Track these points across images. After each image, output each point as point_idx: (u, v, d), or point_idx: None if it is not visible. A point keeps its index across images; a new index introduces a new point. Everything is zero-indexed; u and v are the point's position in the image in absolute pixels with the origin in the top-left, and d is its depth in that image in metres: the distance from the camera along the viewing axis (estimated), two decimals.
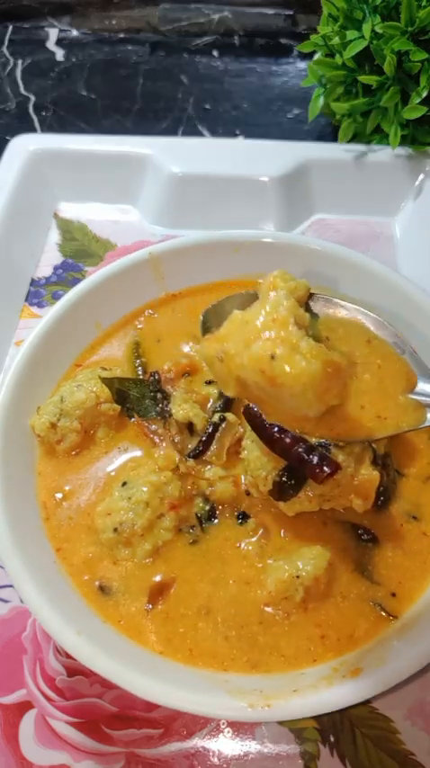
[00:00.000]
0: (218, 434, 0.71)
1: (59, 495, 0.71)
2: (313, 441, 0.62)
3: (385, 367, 0.61)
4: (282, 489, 0.64)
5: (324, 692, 0.57)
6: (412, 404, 0.60)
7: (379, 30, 0.90)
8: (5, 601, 0.69)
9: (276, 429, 0.62)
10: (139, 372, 0.79)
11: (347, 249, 0.84)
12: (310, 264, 0.84)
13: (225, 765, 0.60)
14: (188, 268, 0.86)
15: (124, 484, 0.69)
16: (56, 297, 0.93)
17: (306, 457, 0.61)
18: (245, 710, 0.56)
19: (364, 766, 0.60)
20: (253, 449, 0.67)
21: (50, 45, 1.34)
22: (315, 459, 0.60)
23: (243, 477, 0.70)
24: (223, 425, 0.71)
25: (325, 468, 0.60)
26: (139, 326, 0.84)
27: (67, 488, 0.71)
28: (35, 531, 0.68)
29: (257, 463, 0.66)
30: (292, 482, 0.64)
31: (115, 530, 0.66)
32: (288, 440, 0.62)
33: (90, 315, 0.82)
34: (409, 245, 0.96)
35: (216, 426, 0.72)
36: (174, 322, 0.84)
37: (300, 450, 0.61)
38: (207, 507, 0.69)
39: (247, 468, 0.68)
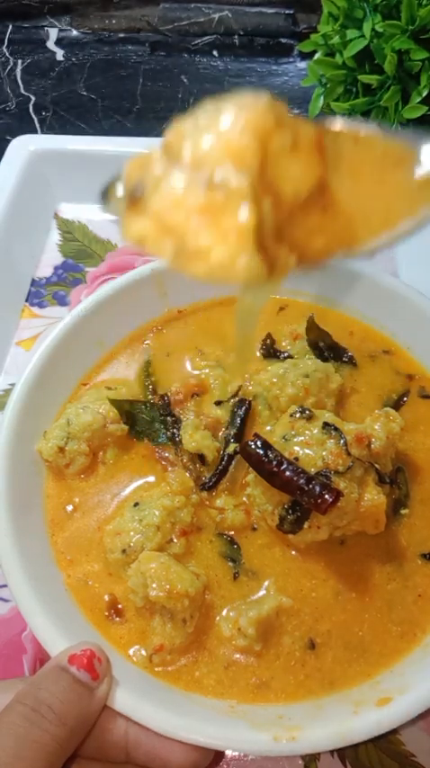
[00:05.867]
0: (231, 468, 0.70)
1: (69, 511, 0.70)
2: (312, 471, 0.61)
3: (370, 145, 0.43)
4: (290, 522, 0.63)
5: (350, 720, 0.55)
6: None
7: (379, 29, 0.90)
8: (5, 600, 0.69)
9: (274, 463, 0.61)
10: (149, 391, 0.78)
11: (373, 268, 0.82)
12: (316, 276, 0.83)
13: (225, 765, 0.60)
14: (191, 283, 0.84)
15: (136, 504, 0.67)
16: (56, 297, 0.93)
17: (306, 487, 0.59)
18: (270, 744, 0.54)
19: (364, 767, 0.60)
20: (257, 484, 0.66)
21: (50, 45, 1.34)
22: (316, 489, 0.59)
23: (252, 508, 0.69)
24: (237, 458, 0.70)
25: (326, 497, 0.58)
26: (147, 342, 0.82)
27: (76, 509, 0.70)
28: (45, 561, 0.66)
29: (263, 498, 0.65)
30: (299, 514, 0.63)
31: (123, 551, 0.64)
32: (287, 473, 0.60)
33: (92, 334, 0.80)
34: (409, 245, 0.96)
35: (230, 458, 0.70)
36: (185, 336, 0.83)
37: (299, 481, 0.60)
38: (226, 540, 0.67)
39: (254, 504, 0.67)
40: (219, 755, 0.60)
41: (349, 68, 0.95)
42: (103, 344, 0.81)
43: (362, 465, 0.63)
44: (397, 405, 0.76)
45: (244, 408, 0.73)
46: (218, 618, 0.63)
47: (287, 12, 1.31)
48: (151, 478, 0.72)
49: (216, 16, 1.31)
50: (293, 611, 0.63)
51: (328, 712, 0.57)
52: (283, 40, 1.31)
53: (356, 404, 0.76)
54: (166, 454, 0.73)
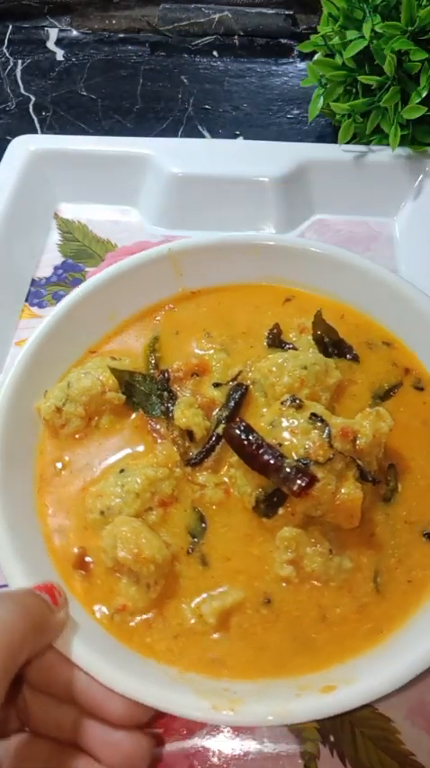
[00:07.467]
0: (218, 447, 0.71)
1: (58, 467, 0.73)
2: (293, 457, 0.62)
3: None
4: (266, 505, 0.65)
5: (291, 701, 0.57)
6: None
7: (379, 29, 0.90)
8: None
9: (254, 446, 0.63)
10: (152, 366, 0.80)
11: (378, 267, 0.83)
12: (335, 274, 0.84)
13: (225, 765, 0.60)
14: (207, 267, 0.86)
15: (122, 471, 0.70)
16: (56, 297, 0.93)
17: (282, 471, 0.61)
18: (208, 712, 0.56)
19: (364, 766, 0.60)
20: (239, 465, 0.67)
21: (50, 45, 1.34)
22: (291, 473, 0.61)
23: (232, 488, 0.70)
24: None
25: (299, 481, 0.60)
26: (158, 319, 0.85)
27: (65, 467, 0.73)
28: (28, 507, 0.70)
29: (244, 479, 0.67)
30: (275, 499, 0.64)
31: (102, 512, 0.67)
32: (265, 456, 0.62)
33: (105, 305, 0.83)
34: (409, 245, 0.96)
35: (218, 438, 0.72)
36: (195, 316, 0.85)
37: (276, 464, 0.62)
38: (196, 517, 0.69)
39: (234, 485, 0.69)
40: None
41: (349, 69, 0.95)
42: (116, 316, 0.84)
43: (344, 459, 0.64)
44: (386, 395, 0.77)
45: (240, 393, 0.75)
46: (182, 601, 0.64)
47: (287, 12, 1.31)
48: (140, 448, 0.74)
49: (216, 17, 1.31)
50: (257, 598, 0.64)
51: (272, 691, 0.59)
52: (283, 41, 1.31)
53: (351, 395, 0.77)
54: (158, 427, 0.75)
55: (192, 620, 0.63)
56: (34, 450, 0.74)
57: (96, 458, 0.73)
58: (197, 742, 0.61)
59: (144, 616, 0.63)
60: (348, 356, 0.80)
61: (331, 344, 0.79)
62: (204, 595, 0.64)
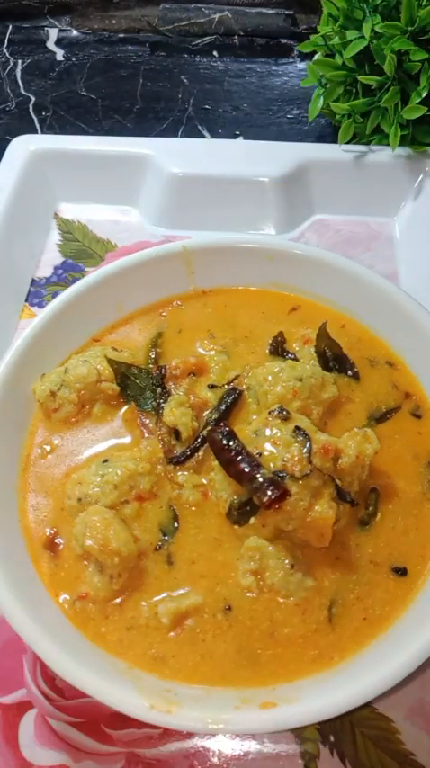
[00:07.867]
0: (203, 449, 0.72)
1: (46, 449, 0.74)
2: (271, 467, 0.62)
3: None
4: (239, 513, 0.65)
5: (228, 712, 0.57)
6: None
7: (379, 29, 0.90)
8: None
9: (233, 453, 0.63)
10: (151, 360, 0.80)
11: (394, 286, 0.82)
12: (346, 288, 0.83)
13: (225, 765, 0.60)
14: (219, 268, 0.86)
15: (105, 461, 0.71)
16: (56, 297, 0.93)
17: (255, 480, 0.61)
18: (143, 710, 0.56)
19: (364, 766, 0.60)
20: (219, 469, 0.67)
21: (50, 45, 1.34)
22: (264, 484, 0.60)
23: (210, 492, 0.70)
24: None
25: (269, 493, 0.59)
26: (164, 315, 0.85)
27: (52, 450, 0.75)
28: (9, 482, 0.71)
29: (222, 484, 0.67)
30: (248, 508, 0.64)
31: (79, 500, 0.68)
32: (242, 464, 0.62)
33: (114, 295, 0.83)
34: (409, 245, 0.96)
35: (204, 440, 0.71)
36: (200, 316, 0.85)
37: (251, 473, 0.61)
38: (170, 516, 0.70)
39: (213, 488, 0.69)
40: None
41: (349, 69, 0.95)
42: (122, 308, 0.84)
43: (322, 477, 0.63)
44: (382, 418, 0.76)
45: (233, 397, 0.75)
46: (142, 597, 0.64)
47: (287, 12, 1.31)
48: (127, 440, 0.75)
49: (216, 17, 1.31)
50: (217, 603, 0.64)
51: (213, 700, 0.59)
52: (283, 41, 1.31)
53: (346, 413, 0.76)
54: (147, 421, 0.76)
55: (147, 617, 0.63)
56: (25, 429, 0.75)
57: (83, 445, 0.75)
58: (197, 742, 0.61)
59: (103, 606, 0.64)
60: (349, 372, 0.78)
61: (333, 359, 0.78)
62: (164, 595, 0.65)
